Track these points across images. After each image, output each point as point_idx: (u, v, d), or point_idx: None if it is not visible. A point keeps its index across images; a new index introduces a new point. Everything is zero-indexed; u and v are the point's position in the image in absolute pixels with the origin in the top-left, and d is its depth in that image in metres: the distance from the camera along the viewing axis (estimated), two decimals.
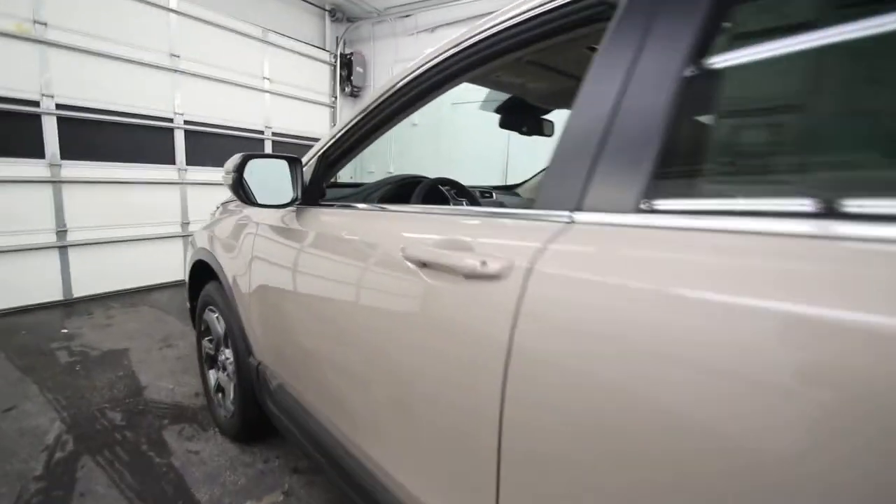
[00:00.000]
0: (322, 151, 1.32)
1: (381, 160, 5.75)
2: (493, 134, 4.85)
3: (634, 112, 0.58)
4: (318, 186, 1.34)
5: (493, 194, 2.06)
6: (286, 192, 1.24)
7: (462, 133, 5.05)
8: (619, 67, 0.60)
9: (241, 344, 1.56)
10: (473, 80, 1.26)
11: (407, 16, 5.28)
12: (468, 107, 4.91)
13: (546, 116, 1.77)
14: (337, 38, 5.64)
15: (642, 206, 0.56)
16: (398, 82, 1.05)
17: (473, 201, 1.68)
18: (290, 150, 4.95)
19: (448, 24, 4.94)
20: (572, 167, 0.63)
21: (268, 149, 4.96)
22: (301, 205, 1.32)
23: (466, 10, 4.77)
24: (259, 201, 1.19)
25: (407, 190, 1.57)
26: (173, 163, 4.17)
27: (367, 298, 0.97)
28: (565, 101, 1.47)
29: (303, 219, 1.27)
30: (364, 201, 1.51)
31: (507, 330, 0.62)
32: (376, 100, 1.10)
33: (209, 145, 4.40)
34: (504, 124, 1.62)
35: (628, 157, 0.57)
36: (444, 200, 1.73)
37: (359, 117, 1.16)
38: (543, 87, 1.32)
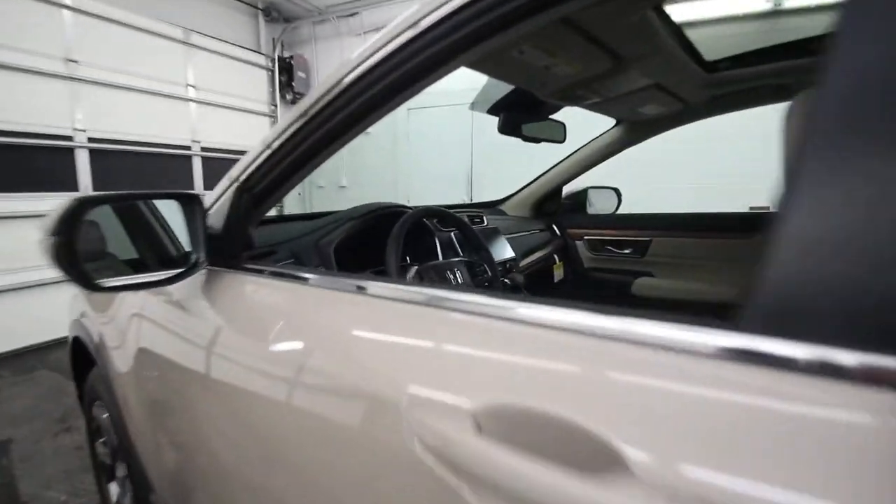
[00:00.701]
0: (243, 180, 0.85)
1: (331, 173, 5.19)
2: (455, 143, 4.48)
3: None
4: (240, 234, 0.86)
5: (484, 218, 1.63)
6: (177, 252, 0.75)
7: (421, 142, 4.61)
8: None
9: (138, 475, 1.03)
10: (478, 64, 0.82)
11: (352, 14, 4.79)
12: (427, 113, 4.49)
13: (554, 117, 1.36)
14: (273, 39, 5.05)
15: None
16: (361, 64, 0.61)
17: (466, 232, 1.24)
18: (224, 167, 4.31)
19: None
20: None
21: (197, 167, 4.29)
22: (212, 267, 0.83)
23: None
24: (108, 283, 0.69)
25: (380, 225, 1.11)
26: (76, 188, 3.45)
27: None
28: (600, 90, 1.06)
29: (212, 296, 0.79)
30: (319, 251, 1.03)
31: None
32: (326, 95, 0.65)
33: (124, 166, 3.71)
34: (506, 128, 1.20)
35: None
36: (428, 234, 1.28)
37: (297, 124, 0.70)
38: (573, 71, 0.90)
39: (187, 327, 0.85)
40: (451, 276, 1.06)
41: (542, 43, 0.74)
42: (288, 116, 0.78)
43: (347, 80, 0.65)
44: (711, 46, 1.21)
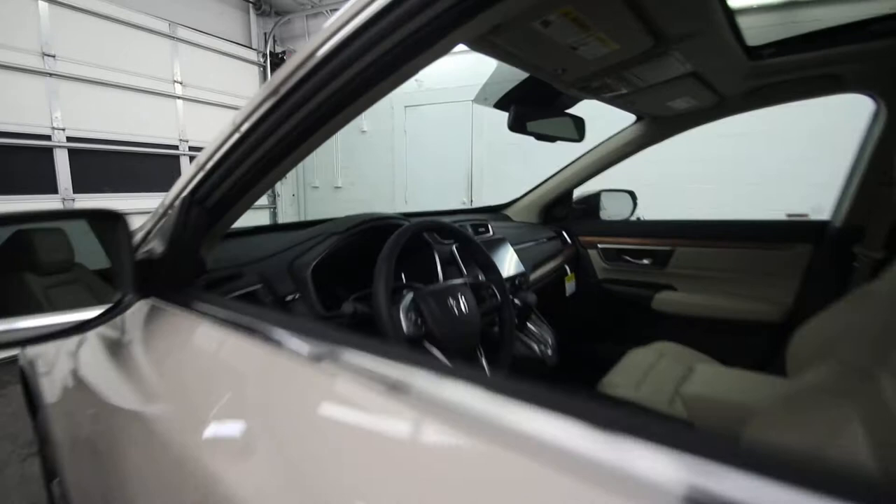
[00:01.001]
0: (191, 190, 0.68)
1: (326, 173, 5.01)
2: (454, 141, 4.30)
3: None
4: (187, 259, 0.68)
5: (489, 226, 1.45)
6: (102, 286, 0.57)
7: (419, 140, 4.42)
8: None
9: None
10: (489, 42, 0.64)
11: None
12: (425, 110, 4.30)
13: (571, 111, 1.18)
14: (265, 34, 4.86)
15: None
16: (344, 27, 0.44)
17: (471, 248, 1.06)
18: None
19: None
20: None
21: (185, 166, 4.09)
22: (156, 300, 0.66)
23: None
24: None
25: (369, 242, 0.94)
26: (55, 191, 3.26)
27: None
28: (630, 78, 0.88)
29: (148, 340, 0.62)
30: (293, 275, 0.85)
31: None
32: (298, 70, 0.49)
33: (106, 166, 3.51)
34: (517, 124, 1.01)
35: None
36: (426, 248, 1.10)
37: (259, 113, 0.53)
38: (605, 52, 0.72)
39: (116, 370, 0.67)
40: (454, 304, 0.88)
41: (576, 12, 0.56)
42: (248, 105, 0.60)
43: (322, 51, 0.48)
44: (755, 30, 1.04)
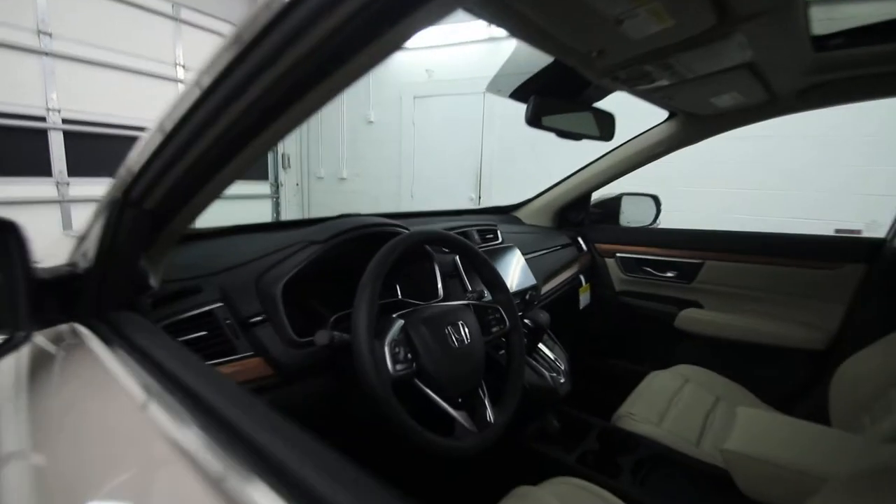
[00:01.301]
0: (125, 189, 0.54)
1: (331, 163, 4.86)
2: (463, 136, 4.13)
3: None
4: (120, 271, 0.55)
5: (498, 232, 1.30)
6: None
7: (427, 133, 4.26)
8: None
9: None
10: (510, 14, 0.49)
11: None
12: (435, 101, 4.13)
13: (599, 105, 1.01)
14: None
15: None
16: None
17: (476, 264, 0.90)
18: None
19: None
20: None
21: None
22: (77, 326, 0.53)
23: None
24: None
25: (354, 252, 0.79)
26: (49, 174, 3.15)
27: None
28: (676, 66, 0.73)
29: (63, 376, 0.49)
30: (261, 293, 0.71)
31: None
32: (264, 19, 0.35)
33: (102, 150, 3.39)
34: (536, 118, 0.84)
35: None
36: (425, 259, 0.95)
37: (215, 72, 0.40)
38: (657, 29, 0.57)
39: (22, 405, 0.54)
40: (452, 333, 0.73)
41: None
42: (195, 76, 0.46)
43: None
44: (822, 16, 0.87)
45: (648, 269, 1.60)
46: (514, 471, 1.05)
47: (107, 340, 0.48)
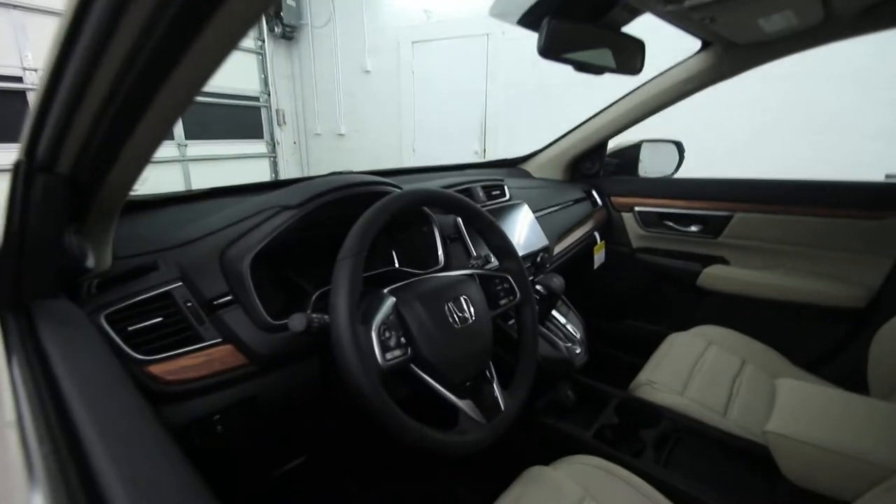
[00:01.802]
0: (27, 146, 0.42)
1: (329, 119, 4.64)
2: (467, 83, 3.87)
3: None
4: (39, 252, 0.44)
5: (506, 188, 1.17)
6: None
7: (428, 82, 4.00)
8: None
9: None
10: None
11: None
12: (435, 46, 3.85)
13: (626, 30, 0.84)
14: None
15: None
16: None
17: (481, 227, 0.78)
18: (202, 115, 3.81)
19: None
20: None
21: None
22: None
23: None
24: None
25: (339, 213, 0.67)
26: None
27: None
28: None
29: None
30: (225, 268, 0.60)
31: None
32: None
33: None
34: (551, 48, 0.69)
35: None
36: (424, 222, 0.84)
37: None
38: None
39: None
40: (454, 310, 0.63)
41: None
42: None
43: None
44: None
45: (670, 223, 1.47)
46: (525, 449, 0.97)
47: (6, 337, 0.39)
